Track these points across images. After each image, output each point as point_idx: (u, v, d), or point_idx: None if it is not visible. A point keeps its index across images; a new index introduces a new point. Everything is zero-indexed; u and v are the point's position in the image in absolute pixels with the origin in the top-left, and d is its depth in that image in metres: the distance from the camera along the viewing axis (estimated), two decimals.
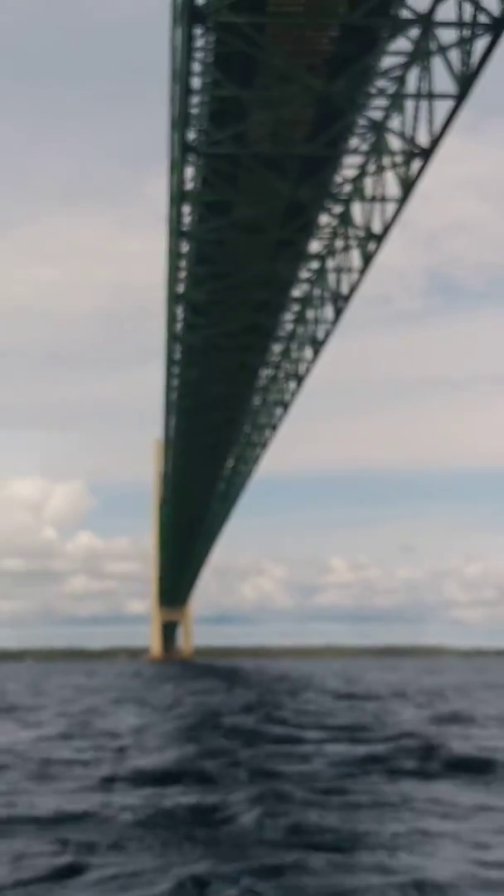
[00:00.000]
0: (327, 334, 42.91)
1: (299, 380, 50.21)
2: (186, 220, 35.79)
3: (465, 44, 24.16)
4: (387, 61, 28.15)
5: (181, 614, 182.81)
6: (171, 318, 44.19)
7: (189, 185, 33.80)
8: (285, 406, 55.31)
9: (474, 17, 23.30)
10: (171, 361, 49.15)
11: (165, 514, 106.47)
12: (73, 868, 10.87)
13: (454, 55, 24.87)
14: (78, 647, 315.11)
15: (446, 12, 24.89)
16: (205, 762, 19.12)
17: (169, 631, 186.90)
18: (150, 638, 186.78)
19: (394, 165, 30.56)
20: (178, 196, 33.08)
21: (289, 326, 46.42)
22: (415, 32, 26.73)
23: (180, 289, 40.86)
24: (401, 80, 28.63)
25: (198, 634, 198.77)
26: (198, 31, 25.88)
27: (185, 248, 37.80)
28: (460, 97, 25.42)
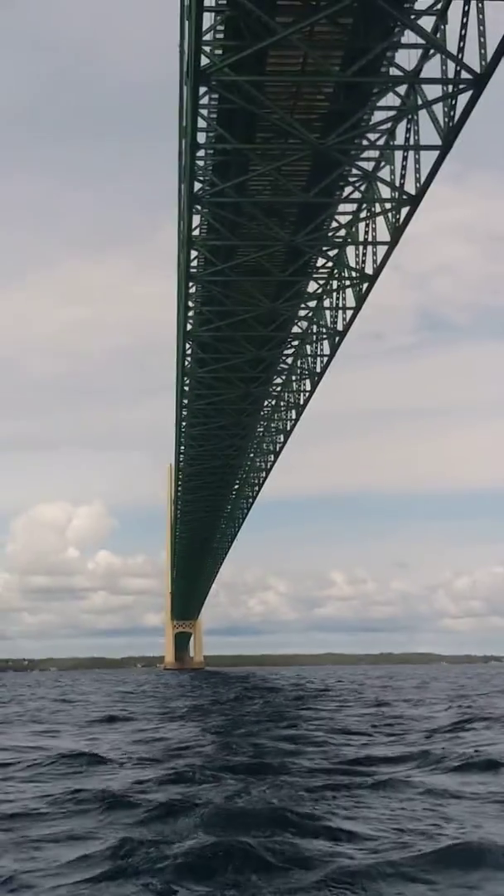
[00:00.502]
0: (324, 367, 42.83)
1: (299, 409, 50.19)
2: (194, 263, 35.72)
3: (448, 99, 24.06)
4: (377, 115, 28.14)
5: (192, 626, 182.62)
6: (181, 354, 44.09)
7: (196, 232, 33.75)
8: (286, 433, 55.22)
9: (457, 73, 23.17)
10: (180, 393, 48.98)
11: (177, 533, 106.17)
12: None
13: (439, 109, 24.81)
14: (98, 656, 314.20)
15: (432, 69, 24.87)
16: None
17: (181, 641, 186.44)
18: (164, 648, 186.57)
19: (384, 212, 30.46)
20: (185, 242, 32.96)
21: (289, 360, 46.36)
22: (403, 88, 26.81)
23: (189, 327, 40.74)
24: (390, 133, 28.61)
25: (209, 645, 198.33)
26: (202, 90, 25.72)
27: (193, 289, 37.73)
28: (445, 148, 25.29)
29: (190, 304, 38.98)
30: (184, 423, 53.67)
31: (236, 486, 72.02)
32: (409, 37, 25.11)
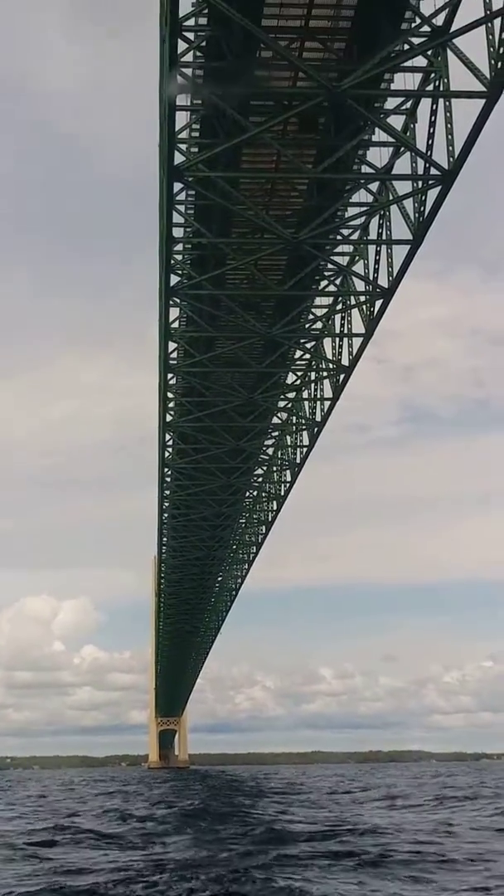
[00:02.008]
0: (304, 458, 43.00)
1: (280, 500, 50.22)
2: (174, 355, 36.02)
3: (418, 194, 24.66)
4: (351, 211, 28.76)
5: (177, 723, 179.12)
6: (161, 445, 44.19)
7: (175, 324, 34.15)
8: (268, 524, 55.13)
9: (426, 170, 23.79)
10: (162, 484, 48.98)
11: (161, 627, 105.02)
12: None
13: (410, 204, 25.41)
14: (83, 755, 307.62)
15: (403, 166, 25.55)
16: None
17: (166, 739, 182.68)
18: (148, 746, 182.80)
19: (359, 304, 30.94)
20: (164, 334, 33.30)
21: (270, 451, 46.52)
22: (375, 185, 27.50)
23: (169, 418, 40.93)
24: (363, 228, 29.23)
25: (195, 742, 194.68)
26: (178, 186, 26.26)
27: (172, 380, 37.99)
28: (416, 242, 25.84)
29: (170, 395, 39.22)
30: (165, 515, 53.55)
31: (219, 578, 71.54)
32: (380, 135, 25.89)
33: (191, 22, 22.15)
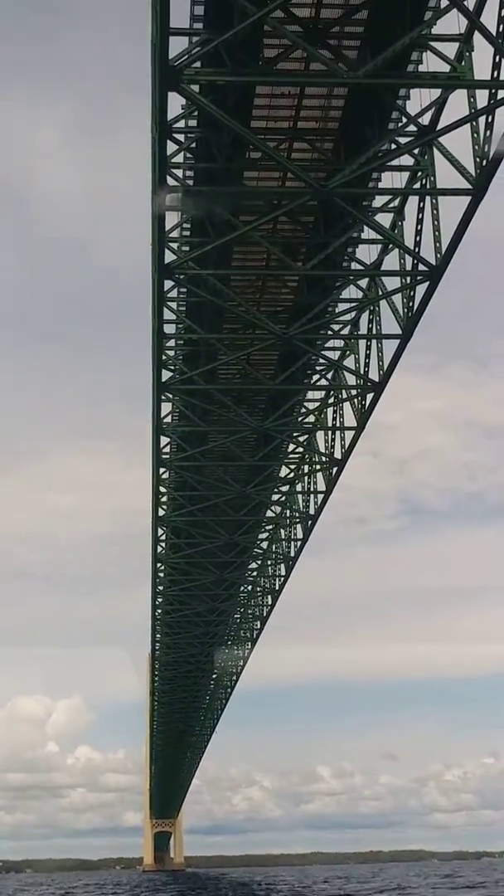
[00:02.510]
0: (298, 552, 42.63)
1: (275, 595, 49.66)
2: (166, 449, 35.96)
3: (407, 290, 24.86)
4: (341, 306, 28.97)
5: (173, 825, 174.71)
6: (155, 540, 43.82)
7: (168, 419, 34.15)
8: (263, 619, 54.43)
9: (415, 266, 24.02)
10: (155, 579, 48.44)
11: (155, 726, 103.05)
12: None
13: (398, 299, 25.61)
14: (76, 858, 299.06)
15: (391, 261, 25.78)
16: None
17: (161, 841, 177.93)
18: (143, 848, 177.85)
19: (350, 398, 31.00)
20: (156, 429, 33.25)
21: (263, 545, 46.13)
22: (365, 281, 27.74)
23: (161, 512, 40.68)
24: (354, 323, 29.44)
25: (191, 844, 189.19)
26: (170, 283, 26.43)
27: (165, 475, 37.87)
28: (405, 337, 25.98)
29: (162, 489, 39.05)
30: (159, 611, 52.87)
31: (214, 675, 70.38)
32: (369, 232, 26.20)
33: (181, 124, 22.57)
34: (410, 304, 24.94)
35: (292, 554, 43.57)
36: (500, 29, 18.44)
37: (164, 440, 35.02)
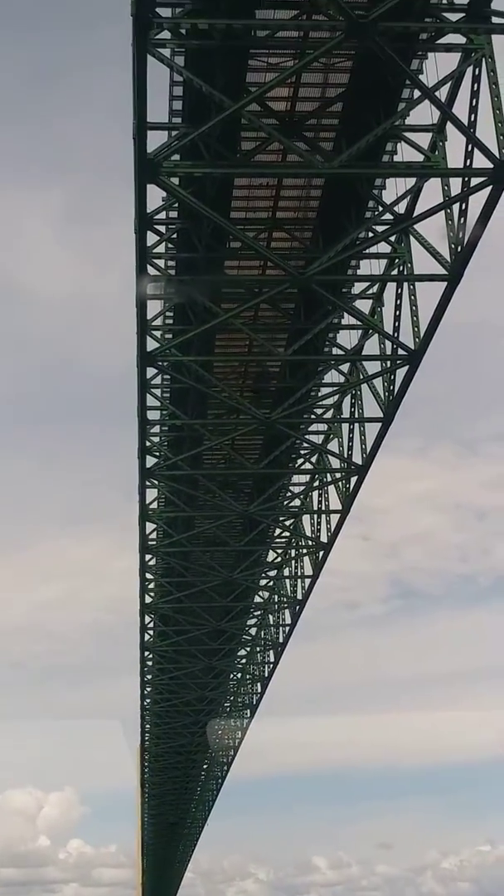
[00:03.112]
0: (286, 637, 42.14)
1: (264, 682, 48.96)
2: (153, 535, 35.74)
3: (387, 374, 25.04)
4: (324, 390, 29.11)
5: None
6: (142, 628, 43.30)
7: (155, 505, 34.02)
8: (253, 708, 53.56)
9: (394, 350, 24.22)
10: (143, 669, 47.77)
11: (146, 818, 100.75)
12: None
13: (379, 383, 25.78)
14: None
15: (372, 346, 26.01)
16: None
17: None
18: None
19: (334, 481, 31.00)
20: (143, 516, 33.11)
21: (252, 631, 45.66)
22: (346, 366, 27.94)
23: (149, 599, 40.27)
24: (336, 407, 29.58)
25: None
26: (153, 371, 26.52)
27: (152, 561, 37.56)
28: (387, 420, 26.08)
29: (149, 576, 38.71)
30: (147, 700, 52.05)
31: (205, 766, 69.07)
32: (349, 317, 26.48)
33: (163, 215, 22.94)
34: (391, 387, 25.09)
35: (281, 640, 43.07)
36: (472, 119, 18.87)
37: (150, 526, 34.87)
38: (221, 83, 18.66)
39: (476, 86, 18.74)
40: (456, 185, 20.17)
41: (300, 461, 32.75)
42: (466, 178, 19.40)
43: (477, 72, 18.64)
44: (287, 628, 41.99)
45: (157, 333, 25.77)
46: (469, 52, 18.55)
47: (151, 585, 39.62)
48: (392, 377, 24.94)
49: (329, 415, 29.71)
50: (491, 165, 17.91)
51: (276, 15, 18.52)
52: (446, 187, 20.52)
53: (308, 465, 32.51)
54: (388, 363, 24.73)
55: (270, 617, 43.41)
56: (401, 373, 24.44)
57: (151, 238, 22.03)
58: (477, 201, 19.21)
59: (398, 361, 24.10)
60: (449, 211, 20.48)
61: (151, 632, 43.63)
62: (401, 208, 22.20)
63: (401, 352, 23.76)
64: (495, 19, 17.61)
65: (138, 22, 15.51)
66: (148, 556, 36.63)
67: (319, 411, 29.82)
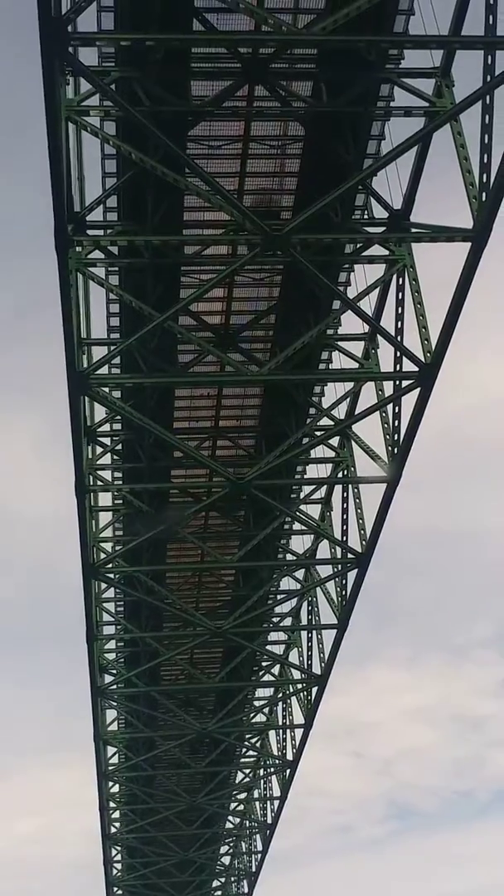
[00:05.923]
0: (259, 865, 39.83)
1: None
2: (114, 760, 34.25)
3: (338, 577, 24.83)
4: (278, 597, 28.71)
5: None
6: (107, 862, 40.88)
7: (114, 727, 32.83)
8: None
9: (344, 553, 24.11)
10: None
11: None
12: None
13: (332, 588, 25.53)
14: None
15: (325, 550, 25.76)
16: None
17: None
18: None
19: (296, 692, 30.14)
20: (97, 739, 31.76)
21: (225, 859, 43.25)
22: (302, 572, 27.67)
23: (114, 830, 38.22)
24: (294, 615, 29.16)
25: None
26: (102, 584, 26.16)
27: (114, 788, 35.85)
28: (342, 626, 25.65)
29: (112, 804, 36.87)
30: None
31: None
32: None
33: (106, 427, 23.23)
34: (343, 592, 24.83)
35: (254, 869, 40.71)
36: (398, 326, 19.59)
37: (111, 749, 33.50)
38: (153, 299, 19.35)
39: (401, 294, 19.52)
40: (389, 387, 20.63)
41: (262, 673, 31.93)
42: (397, 382, 19.86)
43: (401, 281, 19.45)
44: (258, 856, 39.83)
45: (107, 546, 25.65)
46: (392, 263, 19.40)
47: (116, 815, 37.74)
48: (344, 581, 24.72)
49: (287, 622, 29.27)
50: (416, 368, 18.38)
51: (206, 232, 19.50)
52: (380, 391, 20.99)
53: (269, 677, 31.68)
54: (339, 567, 24.56)
55: (243, 844, 41.24)
56: (352, 576, 24.24)
57: (97, 449, 22.47)
58: (409, 402, 19.58)
59: (348, 564, 23.93)
60: (384, 413, 20.83)
61: (119, 865, 41.25)
62: (341, 412, 22.59)
63: (350, 555, 23.63)
64: (414, 230, 18.54)
65: (60, 247, 15.97)
66: (111, 784, 34.97)
67: (276, 620, 29.38)
